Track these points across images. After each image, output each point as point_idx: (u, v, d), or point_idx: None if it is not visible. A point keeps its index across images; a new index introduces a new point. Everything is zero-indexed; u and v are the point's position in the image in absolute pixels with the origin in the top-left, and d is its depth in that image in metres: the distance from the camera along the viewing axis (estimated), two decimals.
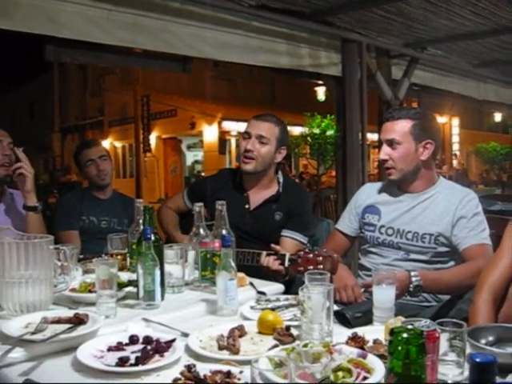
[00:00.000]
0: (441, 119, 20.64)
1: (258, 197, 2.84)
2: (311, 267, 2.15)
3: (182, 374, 1.31)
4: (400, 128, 2.44)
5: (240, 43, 4.42)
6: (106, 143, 20.64)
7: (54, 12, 3.35)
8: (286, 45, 4.80)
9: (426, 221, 2.43)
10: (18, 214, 2.80)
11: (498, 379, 1.18)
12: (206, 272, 2.15)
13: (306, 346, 1.31)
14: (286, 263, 2.28)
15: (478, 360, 0.99)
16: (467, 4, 4.49)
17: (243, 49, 4.46)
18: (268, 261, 2.35)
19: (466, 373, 1.30)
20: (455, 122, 23.07)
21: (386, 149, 2.47)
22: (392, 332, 0.94)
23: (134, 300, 1.96)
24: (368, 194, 2.67)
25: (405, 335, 0.91)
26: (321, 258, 2.18)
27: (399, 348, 0.90)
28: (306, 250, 2.25)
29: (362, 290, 2.27)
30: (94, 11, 3.54)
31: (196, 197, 2.74)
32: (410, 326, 1.01)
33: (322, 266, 2.15)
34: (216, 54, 4.38)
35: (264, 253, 2.39)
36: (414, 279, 2.21)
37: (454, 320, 1.35)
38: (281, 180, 2.87)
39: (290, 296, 2.03)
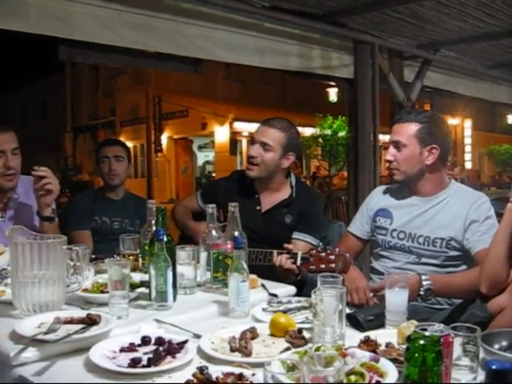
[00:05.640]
0: (453, 121, 20.57)
1: (269, 200, 2.84)
2: (323, 266, 2.15)
3: (194, 375, 1.31)
4: (406, 131, 2.44)
5: (251, 45, 4.42)
6: None
7: (65, 14, 3.37)
8: (298, 46, 4.79)
9: (438, 225, 2.42)
10: (26, 217, 2.75)
11: None
12: (218, 273, 2.14)
13: (318, 349, 1.31)
14: (298, 262, 2.28)
15: (494, 367, 0.98)
16: (481, 5, 4.47)
17: (254, 51, 4.46)
18: (281, 259, 2.35)
19: (480, 378, 1.30)
20: (467, 123, 22.96)
21: (391, 150, 2.48)
22: (409, 338, 0.93)
23: (146, 301, 1.96)
24: (380, 197, 2.66)
25: (422, 342, 0.90)
26: (333, 257, 2.18)
27: (416, 355, 0.90)
28: (319, 249, 2.26)
29: (371, 294, 2.27)
30: (106, 12, 3.55)
31: (209, 198, 2.75)
32: (427, 333, 1.00)
33: (334, 265, 2.15)
34: (227, 56, 4.38)
35: (275, 252, 2.39)
36: (424, 283, 2.21)
37: (468, 324, 1.34)
38: (293, 184, 2.87)
39: (301, 298, 2.03)
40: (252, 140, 2.82)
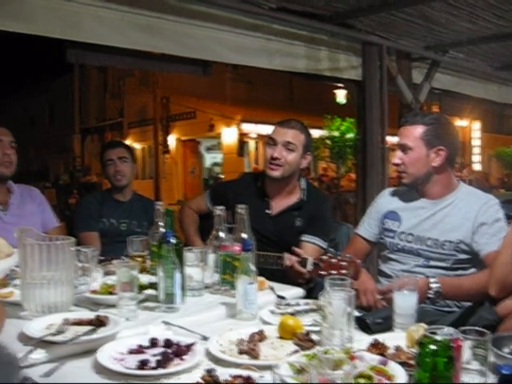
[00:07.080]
0: (461, 122, 20.48)
1: (280, 203, 2.84)
2: (334, 272, 2.13)
3: (202, 377, 1.31)
4: (412, 133, 2.43)
5: (259, 46, 4.41)
6: None
7: (73, 16, 3.37)
8: (305, 48, 4.78)
9: (447, 227, 2.41)
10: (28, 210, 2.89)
11: None
12: (226, 275, 2.15)
13: (326, 352, 1.30)
14: (309, 267, 2.27)
15: (504, 372, 0.98)
16: (489, 7, 4.44)
17: (261, 52, 4.45)
18: (290, 258, 2.34)
19: (489, 381, 1.29)
20: (476, 125, 22.85)
21: (398, 153, 2.48)
22: (420, 343, 0.93)
23: (154, 303, 1.97)
24: (388, 199, 2.65)
25: (432, 347, 0.89)
26: (344, 263, 2.16)
27: (426, 360, 0.89)
28: (329, 255, 2.24)
29: (380, 297, 2.26)
30: (113, 14, 3.55)
31: (218, 200, 2.76)
32: (437, 337, 0.99)
33: (344, 271, 2.14)
34: (235, 57, 4.37)
35: (287, 255, 2.38)
36: (433, 285, 2.19)
37: (477, 328, 1.33)
38: (304, 187, 2.87)
39: (309, 301, 2.02)
40: (272, 141, 2.80)
